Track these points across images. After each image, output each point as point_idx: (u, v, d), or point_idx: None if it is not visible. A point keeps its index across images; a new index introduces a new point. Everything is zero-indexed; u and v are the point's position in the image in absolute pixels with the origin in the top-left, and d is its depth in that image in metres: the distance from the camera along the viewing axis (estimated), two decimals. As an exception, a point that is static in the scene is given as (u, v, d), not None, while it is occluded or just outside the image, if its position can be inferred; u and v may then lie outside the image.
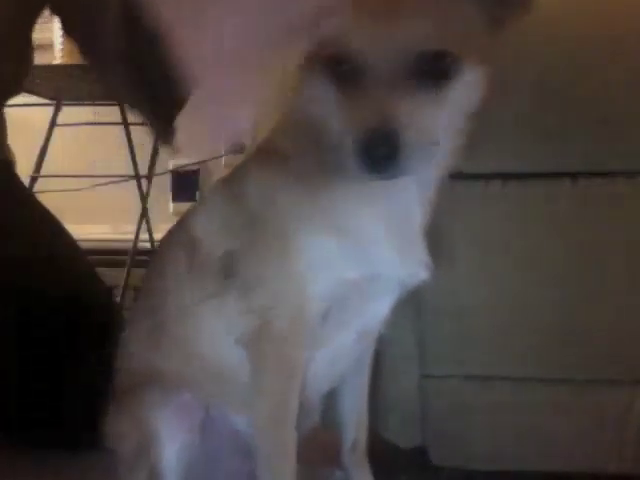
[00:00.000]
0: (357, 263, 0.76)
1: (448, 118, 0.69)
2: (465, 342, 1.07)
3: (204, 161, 2.42)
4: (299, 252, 0.75)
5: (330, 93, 0.69)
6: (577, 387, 1.06)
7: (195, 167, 2.45)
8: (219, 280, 0.81)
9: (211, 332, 0.83)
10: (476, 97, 0.70)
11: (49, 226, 1.34)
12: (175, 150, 0.95)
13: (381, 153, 0.64)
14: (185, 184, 2.46)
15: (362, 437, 0.96)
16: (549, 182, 1.04)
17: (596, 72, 0.99)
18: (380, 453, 1.01)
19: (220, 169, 2.46)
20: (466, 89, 0.69)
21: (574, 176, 1.03)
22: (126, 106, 1.21)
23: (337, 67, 0.68)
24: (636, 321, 1.03)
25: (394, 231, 0.77)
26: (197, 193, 2.47)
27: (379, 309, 0.84)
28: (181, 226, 0.90)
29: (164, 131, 0.88)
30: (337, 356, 0.86)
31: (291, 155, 0.78)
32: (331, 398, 0.94)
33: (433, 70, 0.66)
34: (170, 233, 0.93)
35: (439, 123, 0.68)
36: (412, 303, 0.88)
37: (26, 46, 1.25)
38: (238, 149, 2.66)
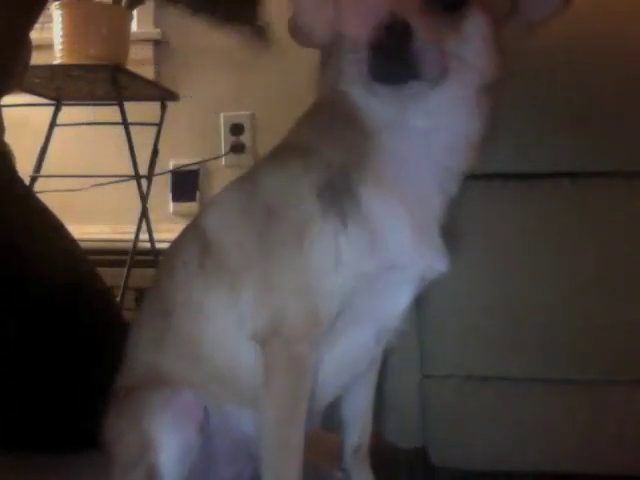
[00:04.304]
0: (374, 254, 0.75)
1: (464, 53, 0.69)
2: (465, 342, 1.06)
3: (204, 161, 2.42)
4: (314, 246, 0.75)
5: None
6: (577, 387, 1.06)
7: (195, 167, 2.45)
8: (232, 276, 0.81)
9: (222, 329, 0.82)
10: (487, 45, 0.71)
11: (48, 223, 1.34)
12: (267, 45, 0.90)
13: (392, 42, 0.63)
14: (185, 184, 2.46)
15: (365, 439, 0.96)
16: (549, 182, 1.04)
17: (596, 72, 0.99)
18: (380, 453, 1.01)
19: (220, 169, 2.47)
20: (477, 28, 0.69)
21: (574, 176, 1.03)
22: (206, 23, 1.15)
23: None
24: (636, 320, 1.03)
25: (412, 221, 0.76)
26: (197, 193, 2.46)
27: (397, 303, 0.83)
28: (193, 225, 0.90)
29: (251, 25, 0.84)
30: (354, 358, 0.85)
31: (311, 145, 0.78)
32: (335, 399, 0.94)
33: None
34: (181, 234, 0.92)
35: (453, 47, 0.67)
36: (412, 303, 0.88)
37: (21, 46, 1.25)
38: (238, 149, 2.66)
